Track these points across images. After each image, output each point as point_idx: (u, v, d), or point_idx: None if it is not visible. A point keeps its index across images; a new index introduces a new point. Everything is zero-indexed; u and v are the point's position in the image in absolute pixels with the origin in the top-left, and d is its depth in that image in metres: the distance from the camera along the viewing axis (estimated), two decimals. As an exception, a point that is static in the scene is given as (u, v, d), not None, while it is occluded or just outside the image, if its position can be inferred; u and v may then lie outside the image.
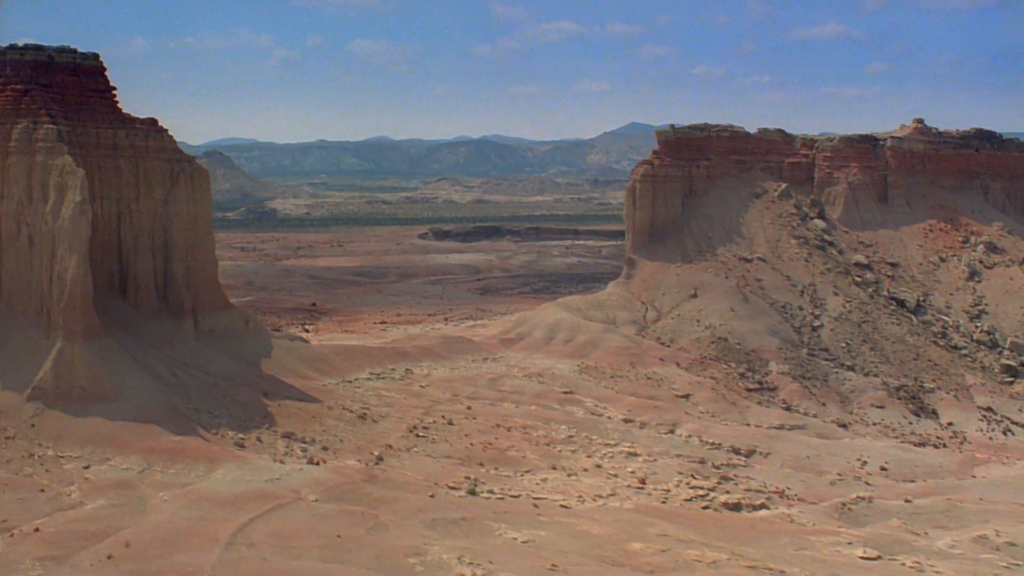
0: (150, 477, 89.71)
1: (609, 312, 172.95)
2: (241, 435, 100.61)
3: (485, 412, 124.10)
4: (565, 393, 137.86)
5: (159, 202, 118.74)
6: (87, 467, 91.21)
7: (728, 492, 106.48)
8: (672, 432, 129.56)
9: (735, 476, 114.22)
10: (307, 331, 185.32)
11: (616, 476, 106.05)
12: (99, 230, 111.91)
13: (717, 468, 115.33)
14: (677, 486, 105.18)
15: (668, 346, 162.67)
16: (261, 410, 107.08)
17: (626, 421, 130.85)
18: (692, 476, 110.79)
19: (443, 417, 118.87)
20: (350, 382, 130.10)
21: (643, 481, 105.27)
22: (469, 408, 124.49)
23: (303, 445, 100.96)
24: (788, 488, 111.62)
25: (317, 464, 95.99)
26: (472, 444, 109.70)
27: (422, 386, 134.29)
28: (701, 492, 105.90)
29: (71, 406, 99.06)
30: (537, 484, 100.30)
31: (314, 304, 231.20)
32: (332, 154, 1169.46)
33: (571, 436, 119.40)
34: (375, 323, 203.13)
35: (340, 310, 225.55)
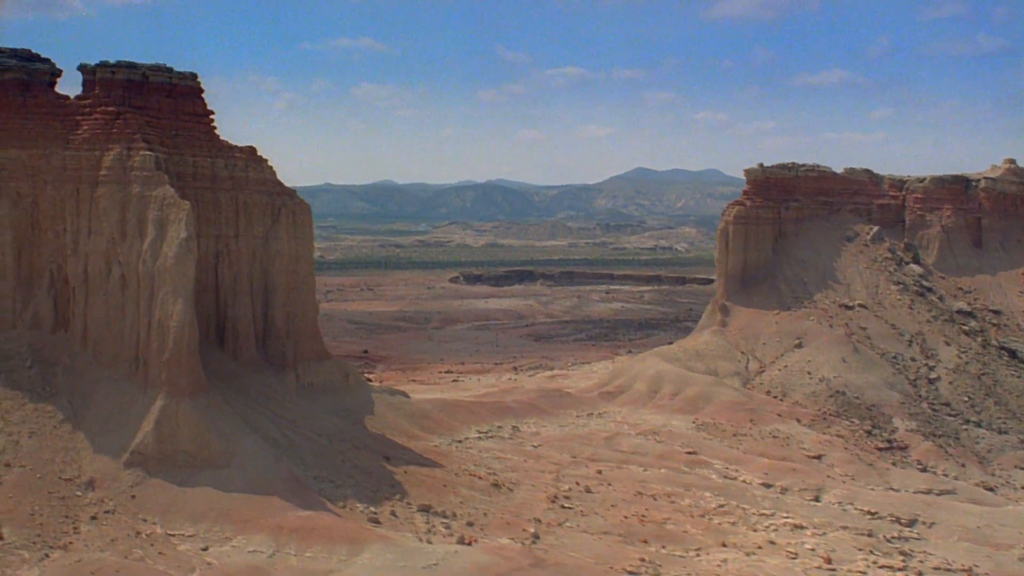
0: (284, 561, 75.88)
1: (710, 363, 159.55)
2: (373, 508, 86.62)
3: (618, 477, 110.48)
4: (689, 454, 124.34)
5: (259, 240, 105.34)
6: (205, 548, 77.50)
7: (921, 573, 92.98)
8: (818, 499, 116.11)
9: (912, 551, 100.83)
10: (369, 381, 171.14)
11: (797, 555, 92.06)
12: (196, 271, 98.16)
13: (891, 542, 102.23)
14: (868, 567, 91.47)
15: (781, 400, 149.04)
16: (387, 478, 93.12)
17: (765, 486, 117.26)
18: (872, 552, 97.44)
19: (577, 483, 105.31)
20: (460, 442, 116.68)
21: (829, 560, 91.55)
22: (599, 472, 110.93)
23: (444, 520, 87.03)
24: (976, 565, 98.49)
25: (469, 544, 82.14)
26: (625, 517, 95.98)
27: (534, 446, 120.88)
28: (889, 573, 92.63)
29: (176, 474, 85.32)
30: (718, 566, 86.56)
31: (366, 351, 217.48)
32: (339, 197, 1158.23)
33: (721, 505, 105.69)
34: (440, 372, 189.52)
35: (394, 358, 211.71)
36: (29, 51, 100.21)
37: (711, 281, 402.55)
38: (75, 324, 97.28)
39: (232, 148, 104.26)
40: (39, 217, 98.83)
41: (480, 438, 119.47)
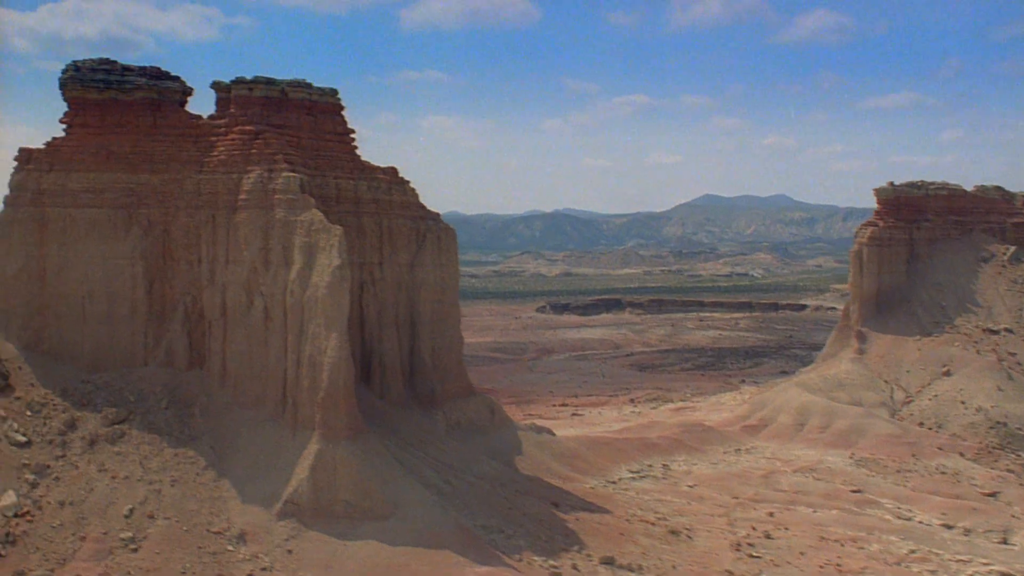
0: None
1: (853, 392, 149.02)
2: (552, 562, 77.68)
3: (791, 520, 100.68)
4: (855, 492, 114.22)
5: (404, 268, 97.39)
6: (379, 610, 68.59)
7: None
8: (1006, 541, 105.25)
9: None
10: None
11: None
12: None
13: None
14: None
15: (937, 432, 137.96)
16: (559, 526, 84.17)
17: (946, 527, 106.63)
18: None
19: (753, 528, 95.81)
20: (614, 483, 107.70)
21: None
22: (771, 515, 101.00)
23: (631, 574, 77.63)
24: None
25: (668, 603, 72.50)
26: (821, 567, 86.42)
27: (690, 486, 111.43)
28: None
29: (335, 526, 77.06)
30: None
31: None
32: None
33: (913, 551, 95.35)
34: (554, 405, 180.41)
35: (501, 391, 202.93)
36: (158, 68, 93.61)
37: (804, 307, 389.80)
38: (212, 361, 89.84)
39: (375, 169, 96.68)
40: (171, 246, 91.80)
41: (634, 478, 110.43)
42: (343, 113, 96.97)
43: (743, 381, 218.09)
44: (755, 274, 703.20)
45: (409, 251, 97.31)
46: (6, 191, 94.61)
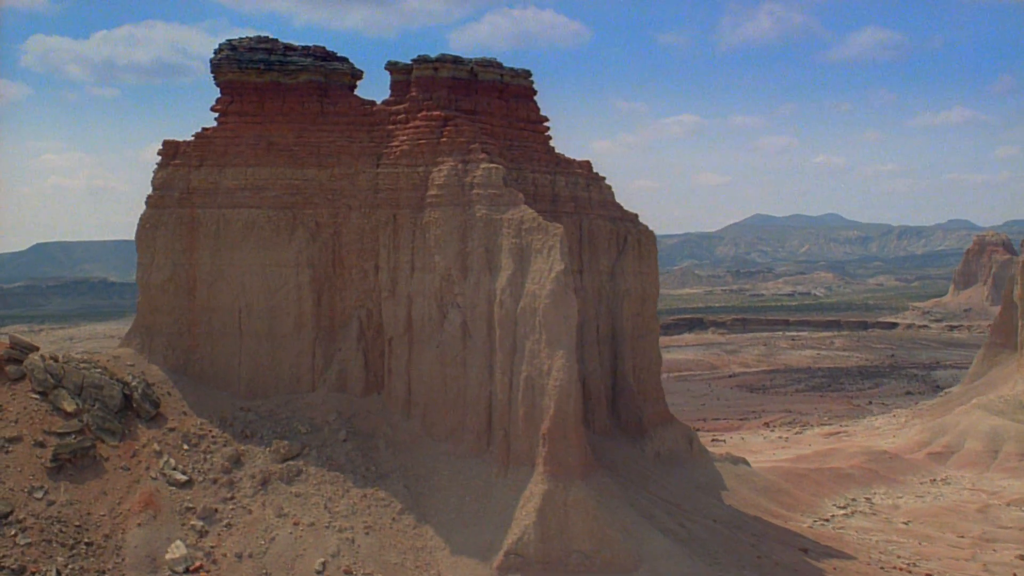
0: None
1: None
2: (835, 626, 63.32)
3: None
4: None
5: (605, 276, 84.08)
6: None
7: None
8: None
9: None
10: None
11: None
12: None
13: None
14: None
15: None
16: (821, 580, 70.01)
17: None
18: None
19: (1015, 574, 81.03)
20: (827, 520, 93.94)
21: None
22: (1021, 558, 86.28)
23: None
24: None
25: None
26: None
27: (905, 523, 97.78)
28: None
29: (570, 582, 63.02)
30: None
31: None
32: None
33: None
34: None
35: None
36: (323, 48, 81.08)
37: (895, 325, 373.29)
38: (393, 385, 76.83)
39: (571, 162, 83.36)
40: (342, 252, 79.00)
41: (845, 515, 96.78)
42: (535, 99, 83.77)
43: (870, 403, 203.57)
44: (817, 293, 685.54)
45: (609, 257, 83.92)
46: (147, 191, 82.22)
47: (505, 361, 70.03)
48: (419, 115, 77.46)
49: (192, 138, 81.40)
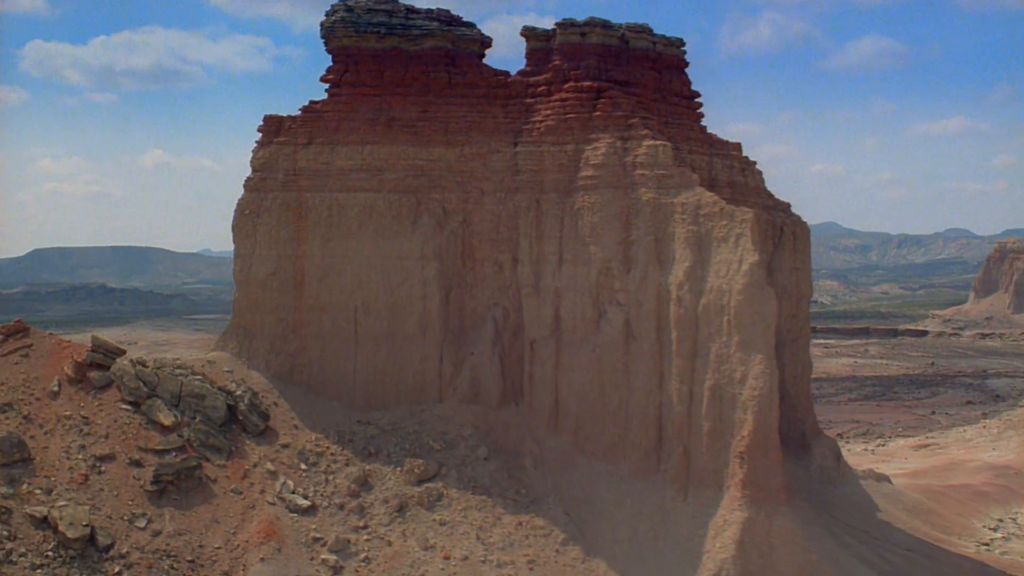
0: None
1: None
2: None
3: None
4: None
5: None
6: None
7: None
8: None
9: None
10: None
11: None
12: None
13: None
14: None
15: None
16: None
17: None
18: None
19: None
20: (987, 544, 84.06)
21: None
22: None
23: None
24: None
25: None
26: None
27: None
28: None
29: (778, 628, 52.84)
30: None
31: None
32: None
33: None
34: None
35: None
36: (448, 12, 71.02)
37: (924, 332, 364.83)
38: (537, 394, 66.79)
39: (724, 143, 73.47)
40: (473, 242, 68.93)
41: (1003, 538, 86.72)
42: (687, 71, 73.84)
43: (933, 412, 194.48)
44: (824, 301, 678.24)
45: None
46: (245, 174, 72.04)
47: (684, 368, 60.03)
48: (565, 86, 67.56)
49: (299, 112, 71.11)
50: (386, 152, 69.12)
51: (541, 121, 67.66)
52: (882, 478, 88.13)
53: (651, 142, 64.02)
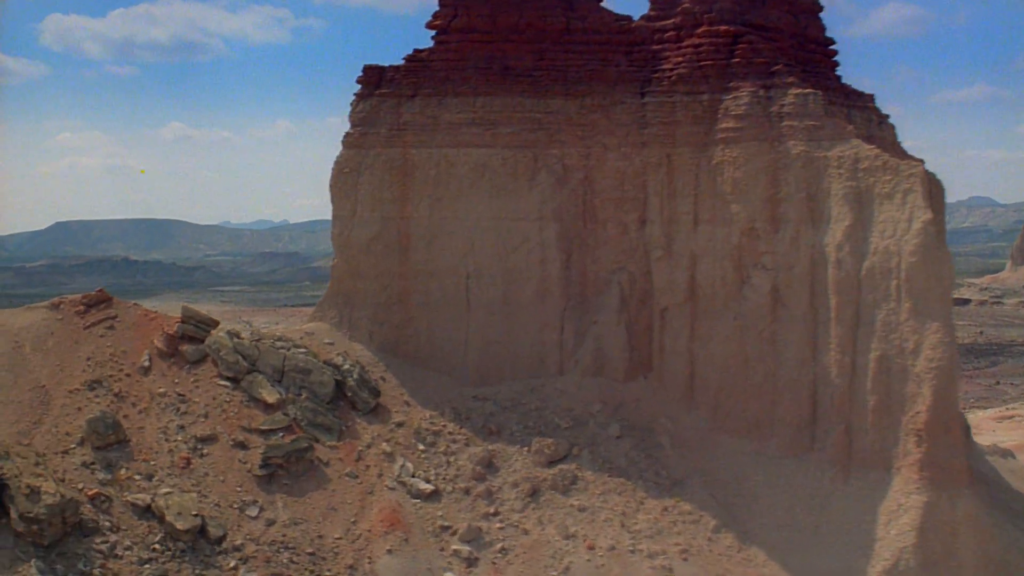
0: None
1: None
2: None
3: None
4: None
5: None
6: None
7: None
8: None
9: None
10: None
11: None
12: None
13: None
14: None
15: None
16: None
17: None
18: None
19: None
20: None
21: None
22: None
23: None
24: None
25: None
26: None
27: None
28: None
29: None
30: None
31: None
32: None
33: None
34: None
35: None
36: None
37: (967, 301, 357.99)
38: (670, 366, 61.47)
39: (860, 95, 67.55)
40: (596, 201, 63.38)
41: None
42: (821, 17, 67.98)
43: (998, 383, 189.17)
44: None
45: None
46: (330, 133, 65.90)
47: (845, 337, 54.54)
48: (698, 31, 61.75)
49: (402, 61, 65.43)
50: (500, 104, 63.54)
51: (672, 69, 61.92)
52: (1007, 453, 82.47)
53: (799, 90, 58.34)
